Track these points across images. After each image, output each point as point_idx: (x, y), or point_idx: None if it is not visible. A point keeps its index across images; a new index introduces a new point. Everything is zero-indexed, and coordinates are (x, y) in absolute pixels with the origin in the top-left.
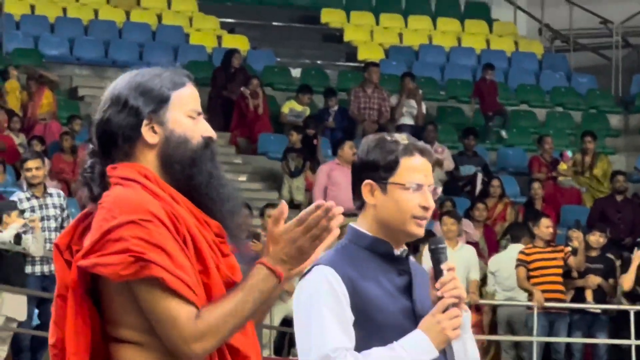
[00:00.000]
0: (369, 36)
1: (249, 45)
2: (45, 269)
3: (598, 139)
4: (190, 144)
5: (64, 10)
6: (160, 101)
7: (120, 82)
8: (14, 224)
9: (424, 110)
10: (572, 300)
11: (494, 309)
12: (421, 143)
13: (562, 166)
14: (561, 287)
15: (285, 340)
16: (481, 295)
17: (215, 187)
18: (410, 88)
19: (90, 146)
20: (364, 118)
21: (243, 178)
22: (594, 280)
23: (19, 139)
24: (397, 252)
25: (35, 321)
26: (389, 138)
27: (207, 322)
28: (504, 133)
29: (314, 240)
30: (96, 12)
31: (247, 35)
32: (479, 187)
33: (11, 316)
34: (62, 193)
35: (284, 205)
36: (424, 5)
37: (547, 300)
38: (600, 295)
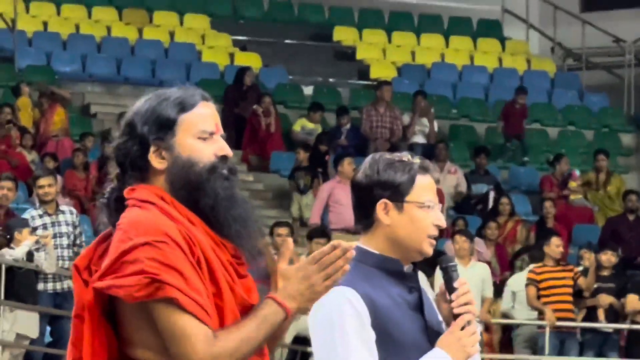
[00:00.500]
0: (382, 54)
1: (261, 62)
2: (57, 286)
3: (610, 157)
4: (195, 168)
5: (77, 27)
6: (166, 126)
7: (134, 107)
8: (26, 241)
9: (436, 128)
10: (584, 320)
11: (503, 327)
12: (428, 161)
13: (572, 184)
14: (571, 307)
15: (297, 358)
16: (489, 312)
17: (223, 209)
18: (423, 106)
19: (116, 171)
20: (376, 136)
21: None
22: (606, 299)
23: (31, 156)
24: (406, 268)
25: (48, 338)
26: (398, 157)
27: (223, 345)
28: (526, 159)
29: (326, 280)
30: (109, 29)
31: (260, 52)
32: (490, 205)
33: (23, 333)
34: (74, 210)
35: (289, 243)
36: (436, 23)
37: (557, 319)
38: (612, 315)
